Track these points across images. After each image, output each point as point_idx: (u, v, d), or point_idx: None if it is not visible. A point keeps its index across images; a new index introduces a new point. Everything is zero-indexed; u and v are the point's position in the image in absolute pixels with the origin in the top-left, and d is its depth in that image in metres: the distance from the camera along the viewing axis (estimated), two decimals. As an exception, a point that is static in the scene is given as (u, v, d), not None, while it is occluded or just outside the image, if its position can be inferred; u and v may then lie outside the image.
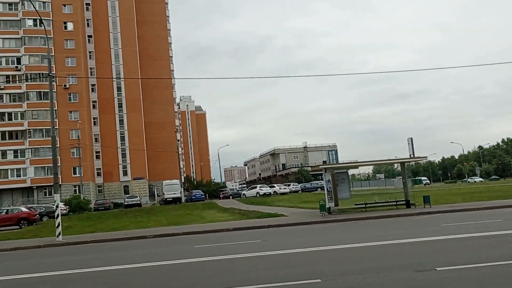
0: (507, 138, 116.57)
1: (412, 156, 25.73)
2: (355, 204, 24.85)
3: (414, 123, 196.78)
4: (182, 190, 59.46)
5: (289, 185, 64.69)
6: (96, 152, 73.05)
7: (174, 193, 51.48)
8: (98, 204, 51.87)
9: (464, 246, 10.71)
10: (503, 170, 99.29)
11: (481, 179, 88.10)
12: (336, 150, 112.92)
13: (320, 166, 27.15)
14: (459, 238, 11.96)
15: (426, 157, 26.75)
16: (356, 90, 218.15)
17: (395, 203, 24.76)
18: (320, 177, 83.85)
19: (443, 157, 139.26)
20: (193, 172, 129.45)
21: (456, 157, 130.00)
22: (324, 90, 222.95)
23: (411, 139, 25.80)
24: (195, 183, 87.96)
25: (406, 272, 8.02)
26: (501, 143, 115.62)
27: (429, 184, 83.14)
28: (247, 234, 17.36)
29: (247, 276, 8.84)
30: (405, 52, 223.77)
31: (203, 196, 57.77)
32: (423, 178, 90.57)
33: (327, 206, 23.76)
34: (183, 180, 73.19)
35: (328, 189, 24.20)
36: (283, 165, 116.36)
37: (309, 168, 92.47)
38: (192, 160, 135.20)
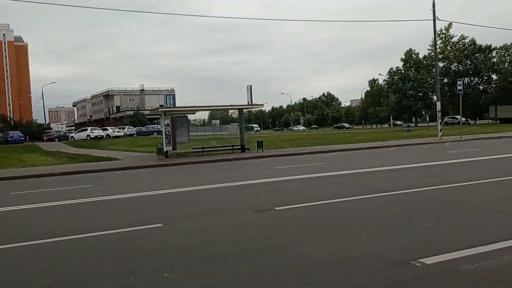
0: (327, 92, 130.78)
1: (250, 103, 26.52)
2: (193, 148, 24.92)
3: (251, 73, 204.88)
4: (-3, 131, 52.23)
5: (123, 129, 62.22)
6: None
7: (-14, 134, 44.77)
8: None
9: (298, 186, 11.39)
10: (322, 120, 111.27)
11: (303, 127, 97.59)
12: (174, 95, 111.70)
13: (159, 109, 26.25)
14: (293, 179, 12.73)
15: (263, 104, 27.96)
16: (199, 37, 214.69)
17: (231, 147, 25.54)
18: (156, 121, 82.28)
19: (273, 107, 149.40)
20: (10, 111, 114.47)
21: (284, 107, 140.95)
22: (165, 34, 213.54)
23: (250, 86, 26.49)
24: (12, 123, 78.12)
25: (246, 213, 8.09)
26: (322, 96, 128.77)
27: (259, 131, 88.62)
28: (77, 179, 15.90)
29: (80, 224, 7.89)
30: (250, 3, 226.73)
31: (23, 138, 51.92)
32: (254, 125, 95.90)
33: (165, 149, 23.32)
34: (-3, 120, 64.20)
35: (167, 133, 23.64)
36: (118, 107, 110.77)
37: (147, 112, 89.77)
38: (9, 97, 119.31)
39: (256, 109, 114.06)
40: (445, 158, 16.67)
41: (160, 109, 26.66)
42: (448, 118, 67.47)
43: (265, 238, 6.23)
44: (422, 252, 5.12)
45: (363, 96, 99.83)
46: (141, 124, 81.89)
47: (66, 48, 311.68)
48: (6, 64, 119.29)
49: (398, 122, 78.21)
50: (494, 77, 68.18)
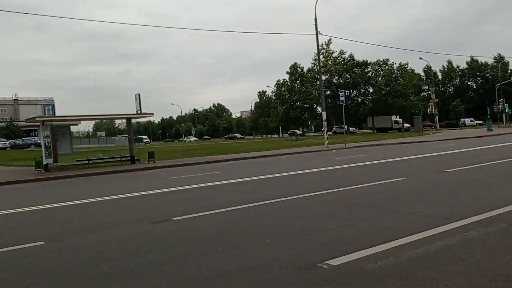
0: (218, 103, 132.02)
1: (139, 112, 25.43)
2: (77, 161, 23.18)
3: (137, 84, 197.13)
4: None
5: (-6, 141, 56.09)
6: None
7: None
8: None
9: (196, 195, 10.99)
10: (214, 131, 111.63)
11: (195, 138, 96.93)
12: (54, 105, 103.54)
13: (37, 118, 23.96)
14: (189, 189, 12.28)
15: (152, 113, 26.96)
16: (79, 45, 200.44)
17: (120, 159, 24.20)
18: (34, 133, 75.58)
19: (162, 118, 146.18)
20: None
21: (175, 118, 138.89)
22: (41, 41, 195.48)
23: (139, 95, 25.42)
24: None
25: (142, 225, 7.50)
26: (213, 107, 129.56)
27: (149, 143, 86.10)
28: None
29: None
30: (132, 12, 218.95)
31: None
32: (143, 136, 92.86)
33: (45, 162, 21.33)
34: None
35: (46, 145, 21.65)
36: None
37: (23, 123, 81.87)
38: None
39: (145, 119, 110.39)
40: (334, 164, 17.49)
41: (37, 119, 24.27)
42: (336, 127, 72.07)
43: (164, 249, 5.77)
44: (327, 254, 5.07)
45: (253, 107, 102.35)
46: (16, 136, 74.55)
47: None
48: None
49: (297, 131, 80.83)
50: (371, 89, 74.51)
